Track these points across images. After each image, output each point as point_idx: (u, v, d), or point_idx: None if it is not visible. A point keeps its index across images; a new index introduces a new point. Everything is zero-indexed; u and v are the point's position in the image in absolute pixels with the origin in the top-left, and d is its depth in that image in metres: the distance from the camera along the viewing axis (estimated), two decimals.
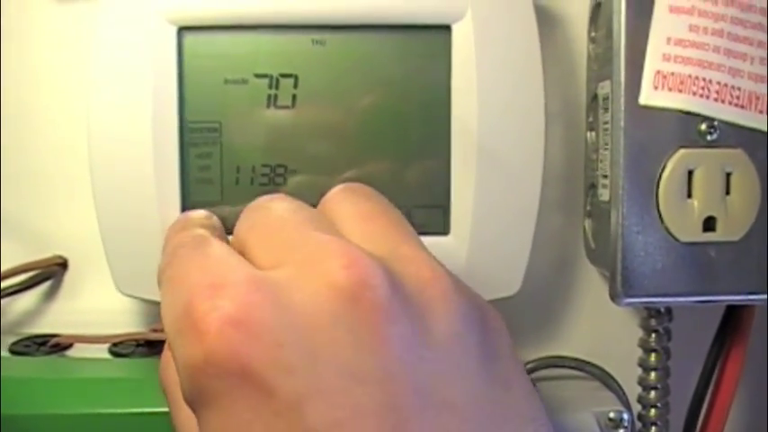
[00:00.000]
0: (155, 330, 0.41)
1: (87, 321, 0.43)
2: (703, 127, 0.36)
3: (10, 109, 0.44)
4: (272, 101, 0.38)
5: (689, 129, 0.36)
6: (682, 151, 0.36)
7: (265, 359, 0.20)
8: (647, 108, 0.35)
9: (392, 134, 0.38)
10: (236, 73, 0.38)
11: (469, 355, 0.22)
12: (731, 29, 0.29)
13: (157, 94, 0.38)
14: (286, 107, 0.38)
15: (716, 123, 0.36)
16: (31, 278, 0.43)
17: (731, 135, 0.35)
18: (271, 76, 0.38)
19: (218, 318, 0.20)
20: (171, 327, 0.23)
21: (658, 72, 0.29)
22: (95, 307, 0.44)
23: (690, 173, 0.36)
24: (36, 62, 0.43)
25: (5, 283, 0.43)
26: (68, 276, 0.45)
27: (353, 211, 0.27)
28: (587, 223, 0.42)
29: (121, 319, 0.43)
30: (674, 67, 0.29)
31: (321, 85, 0.38)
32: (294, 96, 0.38)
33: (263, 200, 0.28)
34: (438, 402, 0.20)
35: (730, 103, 0.29)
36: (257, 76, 0.38)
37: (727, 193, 0.36)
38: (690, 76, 0.29)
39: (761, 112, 0.30)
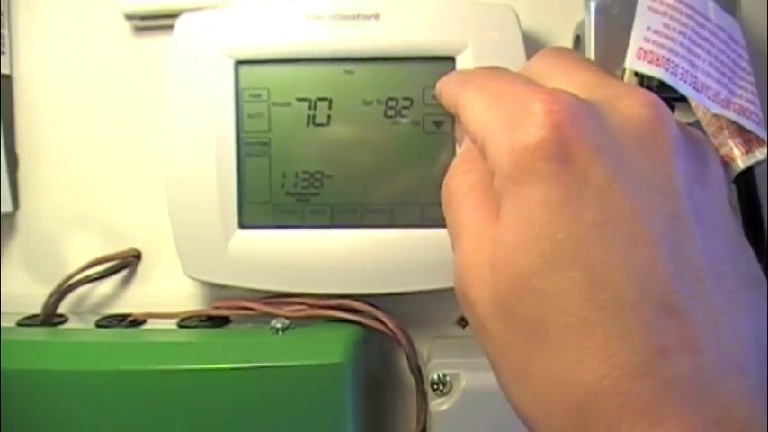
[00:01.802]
0: (216, 307, 0.50)
1: (158, 303, 0.51)
2: None
3: (98, 123, 0.53)
4: (311, 120, 0.47)
5: None
6: None
7: (586, 153, 0.25)
8: None
9: (409, 144, 0.47)
10: (282, 97, 0.47)
11: (723, 197, 0.28)
12: (691, 35, 0.38)
13: (219, 114, 0.47)
14: (322, 125, 0.47)
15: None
16: (110, 267, 0.52)
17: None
18: (310, 100, 0.47)
19: (558, 115, 0.25)
20: (493, 120, 0.28)
21: (641, 48, 0.36)
22: (164, 291, 0.53)
23: None
24: (116, 83, 0.53)
25: (89, 272, 0.52)
26: (142, 266, 0.53)
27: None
28: None
29: (186, 301, 0.52)
30: (653, 48, 0.37)
31: (351, 107, 0.47)
32: (329, 116, 0.47)
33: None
34: (706, 232, 0.25)
35: (690, 85, 0.37)
36: (299, 99, 0.47)
37: None
38: (663, 57, 0.36)
39: (709, 98, 0.38)
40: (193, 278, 0.48)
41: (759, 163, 0.38)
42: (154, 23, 0.50)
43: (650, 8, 0.37)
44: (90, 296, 0.54)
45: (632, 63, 0.36)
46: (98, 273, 0.52)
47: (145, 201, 0.52)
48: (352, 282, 0.47)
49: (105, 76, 0.52)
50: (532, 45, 0.49)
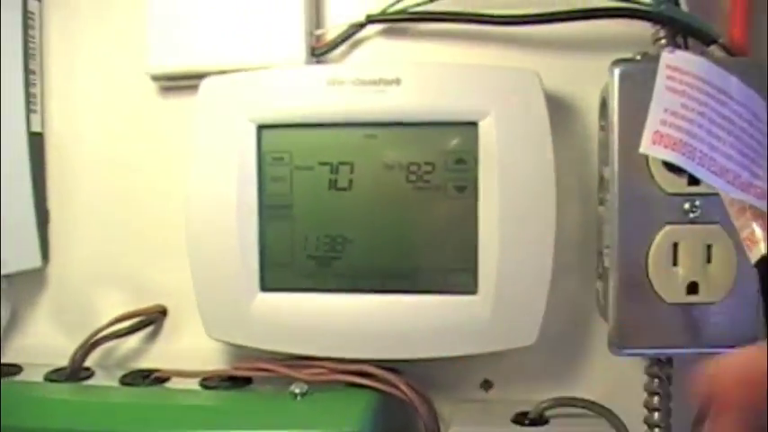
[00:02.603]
0: (236, 368, 0.50)
1: (182, 359, 0.52)
2: (687, 206, 0.43)
3: (126, 180, 0.54)
4: (332, 184, 0.47)
5: (674, 208, 0.43)
6: (668, 227, 0.43)
7: None
8: (639, 191, 0.43)
9: (431, 209, 0.46)
10: (304, 161, 0.47)
11: None
12: (711, 115, 0.36)
13: (241, 177, 0.47)
14: (344, 189, 0.47)
15: (697, 203, 0.43)
16: (137, 323, 0.53)
17: (712, 213, 0.42)
18: (332, 164, 0.47)
19: None
20: None
21: (657, 131, 0.35)
22: (189, 348, 0.53)
23: (675, 245, 0.43)
24: (143, 142, 0.54)
25: (116, 327, 0.52)
26: (168, 322, 0.54)
27: None
28: (598, 284, 0.49)
29: (210, 357, 0.52)
30: (669, 131, 0.36)
31: (373, 172, 0.47)
32: (351, 180, 0.47)
33: None
34: None
35: (708, 169, 0.36)
36: (321, 163, 0.47)
37: (709, 261, 0.43)
38: (681, 140, 0.35)
39: (728, 182, 0.36)
40: (216, 339, 0.49)
41: None
42: (180, 84, 0.50)
43: (668, 88, 0.36)
44: (117, 350, 0.54)
45: (648, 148, 0.35)
46: (125, 328, 0.53)
47: (172, 258, 0.52)
48: (373, 347, 0.47)
49: (133, 135, 0.53)
50: (556, 109, 0.48)
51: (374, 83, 0.46)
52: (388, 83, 0.45)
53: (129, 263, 0.54)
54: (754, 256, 0.37)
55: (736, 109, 0.37)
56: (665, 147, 0.35)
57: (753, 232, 0.37)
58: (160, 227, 0.53)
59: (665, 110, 0.36)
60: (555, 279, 0.47)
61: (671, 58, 0.37)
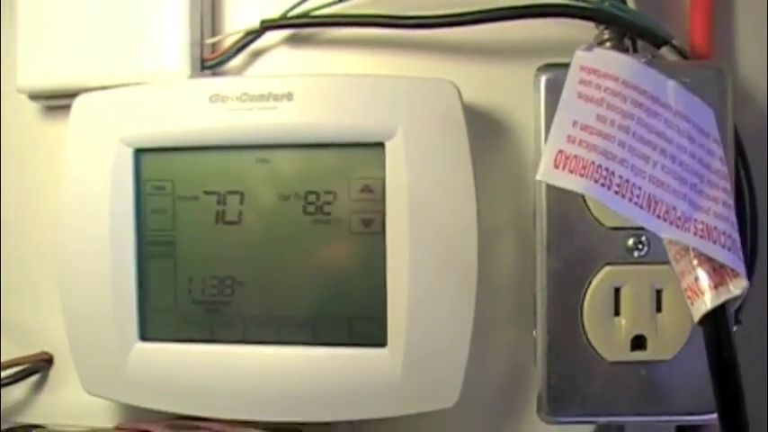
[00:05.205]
0: (119, 428, 0.43)
1: (68, 413, 0.46)
2: (630, 243, 0.36)
3: (8, 214, 0.48)
4: (220, 217, 0.40)
5: (615, 245, 0.36)
6: (608, 269, 0.36)
7: None
8: (572, 225, 0.35)
9: (333, 246, 0.39)
10: (188, 190, 0.40)
11: None
12: (637, 129, 0.29)
13: (116, 209, 0.40)
14: (233, 222, 0.40)
15: (643, 239, 0.35)
16: (20, 372, 0.47)
17: (662, 251, 0.34)
18: (219, 194, 0.40)
19: None
20: None
21: (561, 152, 0.28)
22: (76, 402, 0.46)
23: (617, 290, 0.36)
24: (25, 170, 0.48)
25: None
26: (54, 371, 0.48)
27: None
28: (534, 333, 0.41)
29: (99, 411, 0.46)
30: (578, 151, 0.28)
31: (265, 202, 0.40)
32: (240, 212, 0.40)
33: None
34: None
35: (630, 200, 0.28)
36: (207, 193, 0.40)
37: (659, 310, 0.35)
38: (593, 163, 0.27)
39: (659, 217, 0.29)
40: (92, 395, 0.42)
41: (734, 300, 0.29)
42: (62, 103, 0.44)
43: (581, 95, 0.29)
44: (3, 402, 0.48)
45: (547, 174, 0.28)
46: (8, 377, 0.46)
47: (57, 302, 0.45)
48: (269, 407, 0.40)
49: (14, 162, 0.47)
50: (483, 126, 0.41)
51: (263, 98, 0.39)
52: (279, 98, 0.39)
53: (12, 307, 0.48)
54: (697, 310, 0.29)
55: (672, 121, 0.30)
56: (571, 171, 0.27)
57: (696, 280, 0.29)
58: (45, 269, 0.47)
59: (574, 123, 0.28)
60: (486, 328, 0.40)
61: (586, 58, 0.30)
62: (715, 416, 0.29)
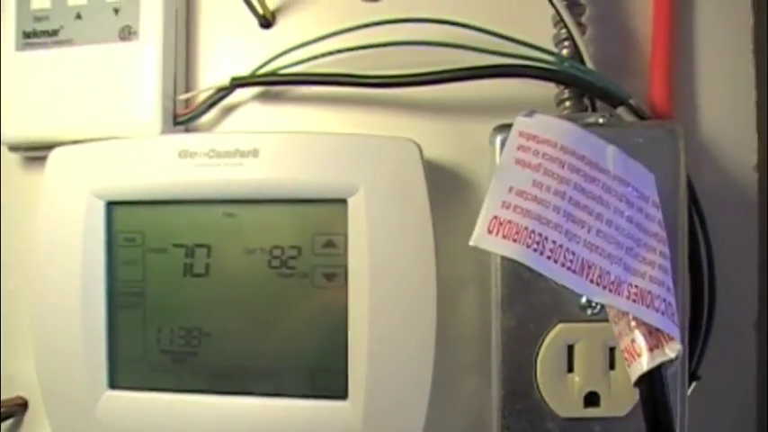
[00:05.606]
0: None
1: None
2: (583, 300, 0.36)
3: None
4: (188, 269, 0.41)
5: (568, 302, 0.36)
6: (561, 326, 0.36)
7: None
8: (525, 280, 0.36)
9: (296, 299, 0.40)
10: (157, 242, 0.41)
11: None
12: (573, 194, 0.29)
13: (87, 260, 0.41)
14: (201, 275, 0.41)
15: None
16: None
17: None
18: (187, 246, 0.41)
19: None
20: None
21: (495, 217, 0.29)
22: None
23: (570, 347, 0.36)
24: (6, 219, 0.49)
25: None
26: (28, 415, 0.48)
27: None
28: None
29: None
30: (513, 216, 0.28)
31: (232, 256, 0.41)
32: (208, 265, 0.41)
33: None
34: None
35: (563, 265, 0.29)
36: (175, 245, 0.41)
37: (612, 367, 0.36)
38: (527, 228, 0.28)
39: (592, 281, 0.29)
40: None
41: (669, 363, 0.29)
42: (39, 154, 0.45)
43: (518, 161, 0.30)
44: None
45: (481, 239, 0.28)
46: None
47: None
48: None
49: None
50: (446, 182, 0.42)
51: (229, 155, 0.40)
52: (245, 155, 0.40)
53: None
54: (634, 372, 0.30)
55: (610, 186, 0.30)
56: (504, 237, 0.28)
57: (633, 342, 0.30)
58: (23, 313, 0.48)
59: (510, 189, 0.29)
60: (448, 379, 0.41)
61: (526, 124, 0.31)
62: None
